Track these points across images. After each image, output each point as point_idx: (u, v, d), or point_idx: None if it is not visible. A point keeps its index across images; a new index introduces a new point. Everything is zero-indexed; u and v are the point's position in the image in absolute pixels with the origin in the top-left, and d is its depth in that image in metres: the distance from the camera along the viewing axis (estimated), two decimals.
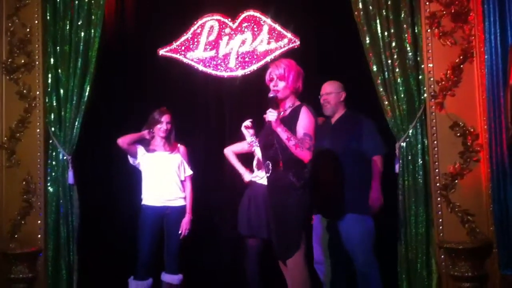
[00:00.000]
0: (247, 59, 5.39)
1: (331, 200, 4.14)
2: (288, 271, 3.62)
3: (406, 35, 4.39)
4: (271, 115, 3.52)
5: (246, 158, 4.94)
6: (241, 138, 4.56)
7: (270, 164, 3.65)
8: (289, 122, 3.58)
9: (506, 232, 3.84)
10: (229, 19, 5.46)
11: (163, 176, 4.72)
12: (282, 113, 3.68)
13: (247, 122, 4.25)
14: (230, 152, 4.93)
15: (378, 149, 4.25)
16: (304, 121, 3.57)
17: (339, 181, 4.13)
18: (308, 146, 3.49)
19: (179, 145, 4.87)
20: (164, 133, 4.76)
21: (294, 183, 3.53)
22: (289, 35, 5.28)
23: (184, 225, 4.71)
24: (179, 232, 4.69)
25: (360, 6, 4.49)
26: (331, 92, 4.37)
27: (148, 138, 4.78)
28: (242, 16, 5.43)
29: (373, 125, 4.31)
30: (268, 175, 3.69)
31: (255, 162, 4.83)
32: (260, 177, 4.69)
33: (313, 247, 4.21)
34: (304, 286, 3.55)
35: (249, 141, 4.41)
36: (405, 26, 4.40)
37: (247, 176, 4.85)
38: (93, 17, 4.99)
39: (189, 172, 4.84)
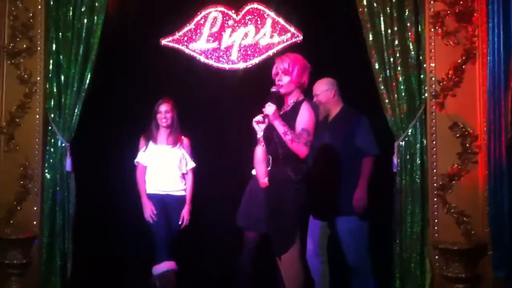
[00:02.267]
0: (249, 52, 5.37)
1: (323, 201, 4.13)
2: (282, 265, 3.62)
3: (409, 33, 4.36)
4: (269, 108, 3.52)
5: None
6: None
7: (271, 158, 3.65)
8: (290, 117, 3.58)
9: (501, 234, 3.82)
10: (233, 11, 5.44)
11: (163, 170, 4.77)
12: (286, 107, 3.67)
13: (259, 117, 3.82)
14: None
15: (371, 150, 4.26)
16: (303, 116, 3.56)
17: (331, 182, 4.13)
18: (305, 141, 3.48)
19: (183, 137, 4.87)
20: (165, 122, 4.74)
21: (291, 177, 3.52)
22: (292, 29, 5.27)
23: (184, 215, 4.77)
24: (179, 222, 4.76)
25: (365, 2, 4.46)
26: (319, 92, 4.39)
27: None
28: (246, 8, 5.41)
29: (368, 124, 4.31)
30: (269, 168, 3.69)
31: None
32: None
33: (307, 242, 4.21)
34: (297, 281, 3.56)
35: (259, 136, 4.34)
36: (408, 24, 4.37)
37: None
38: (96, 3, 4.94)
39: (191, 165, 4.87)
